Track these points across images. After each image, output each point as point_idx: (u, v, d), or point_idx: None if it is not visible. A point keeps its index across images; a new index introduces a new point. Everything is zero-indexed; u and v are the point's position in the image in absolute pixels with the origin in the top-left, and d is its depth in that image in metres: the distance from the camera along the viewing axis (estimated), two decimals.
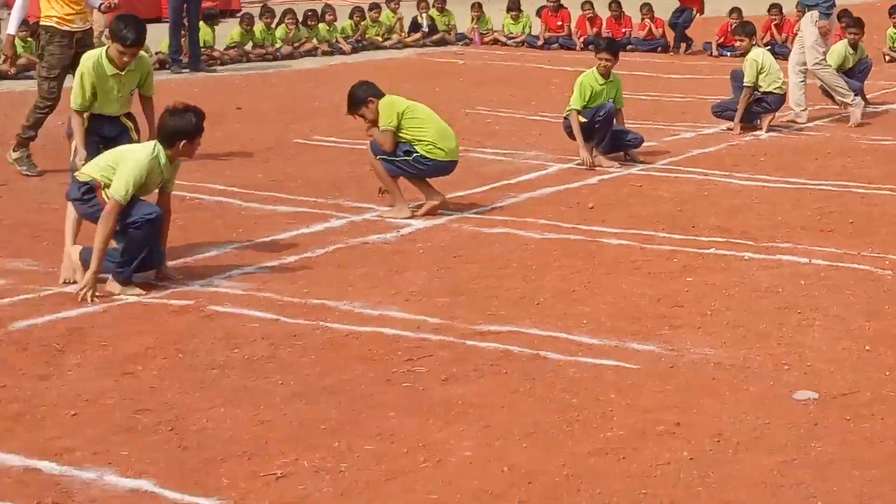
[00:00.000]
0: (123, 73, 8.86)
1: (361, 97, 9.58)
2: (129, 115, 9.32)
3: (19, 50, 16.80)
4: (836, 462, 5.31)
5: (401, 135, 9.52)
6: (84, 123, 8.91)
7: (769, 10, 20.53)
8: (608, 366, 6.41)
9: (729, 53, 19.78)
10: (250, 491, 4.96)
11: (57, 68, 10.67)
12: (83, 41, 10.76)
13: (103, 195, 7.49)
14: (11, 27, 11.31)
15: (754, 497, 4.99)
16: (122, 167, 7.48)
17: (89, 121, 8.98)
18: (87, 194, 7.59)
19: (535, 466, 5.23)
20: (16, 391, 5.94)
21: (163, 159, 7.59)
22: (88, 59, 8.95)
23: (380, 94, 9.63)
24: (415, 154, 9.45)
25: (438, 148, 9.48)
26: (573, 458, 5.32)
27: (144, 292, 7.52)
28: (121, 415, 5.69)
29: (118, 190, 7.38)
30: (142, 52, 9.19)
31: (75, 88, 8.85)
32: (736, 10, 20.40)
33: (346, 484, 5.04)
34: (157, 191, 7.87)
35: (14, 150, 10.91)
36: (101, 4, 10.98)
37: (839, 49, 15.07)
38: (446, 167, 9.68)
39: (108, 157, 7.79)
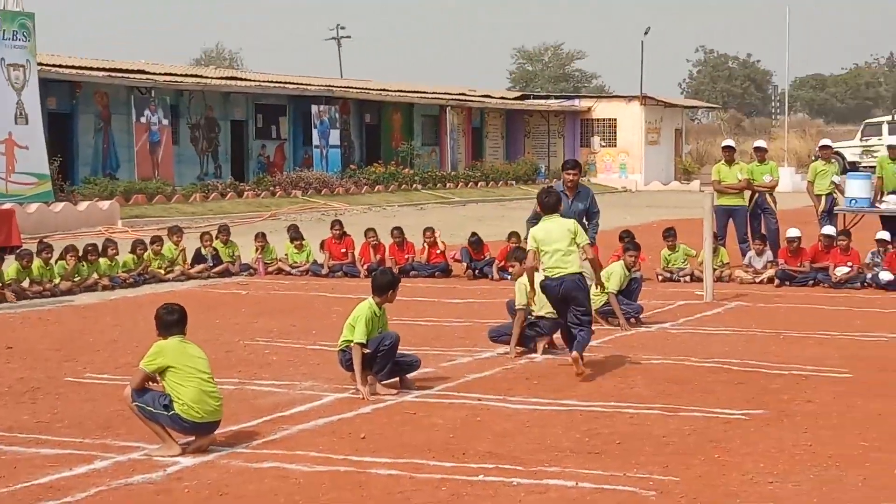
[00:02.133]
0: None
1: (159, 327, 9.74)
2: None
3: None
4: None
5: (164, 383, 9.43)
6: None
7: None
8: None
9: (508, 276, 20.06)
10: None
11: None
12: None
13: None
14: None
15: None
16: None
17: None
18: None
19: None
20: None
21: None
22: None
23: (167, 334, 9.63)
24: (172, 412, 9.34)
25: (191, 412, 9.35)
26: None
27: None
28: None
29: None
30: None
31: None
32: (514, 235, 20.80)
33: None
34: None
35: None
36: None
37: (618, 270, 15.58)
38: (204, 428, 9.51)
39: None
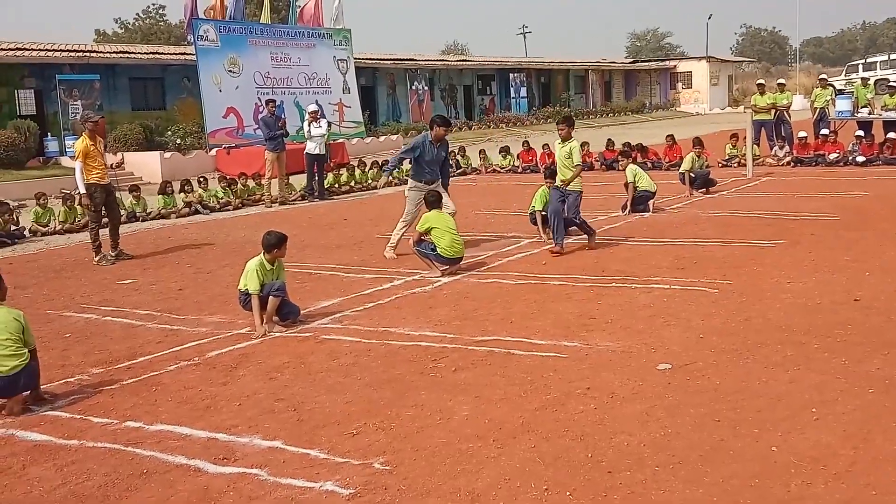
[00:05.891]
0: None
1: (427, 205, 9.71)
2: None
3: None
4: (680, 405, 5.20)
5: (431, 237, 9.49)
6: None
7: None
8: (549, 356, 6.31)
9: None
10: (338, 444, 4.91)
11: None
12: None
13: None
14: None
15: (630, 428, 4.89)
16: (245, 276, 7.47)
17: None
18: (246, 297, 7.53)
19: (502, 417, 5.14)
20: (206, 393, 5.92)
21: (265, 262, 7.50)
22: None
23: (431, 209, 9.62)
24: (436, 252, 9.43)
25: (447, 252, 9.39)
26: (527, 412, 5.23)
27: (284, 329, 7.50)
28: (266, 403, 5.65)
29: (250, 288, 7.40)
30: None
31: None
32: (626, 144, 20.20)
33: (395, 435, 4.99)
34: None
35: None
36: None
37: (690, 158, 15.13)
38: (454, 261, 9.51)
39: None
